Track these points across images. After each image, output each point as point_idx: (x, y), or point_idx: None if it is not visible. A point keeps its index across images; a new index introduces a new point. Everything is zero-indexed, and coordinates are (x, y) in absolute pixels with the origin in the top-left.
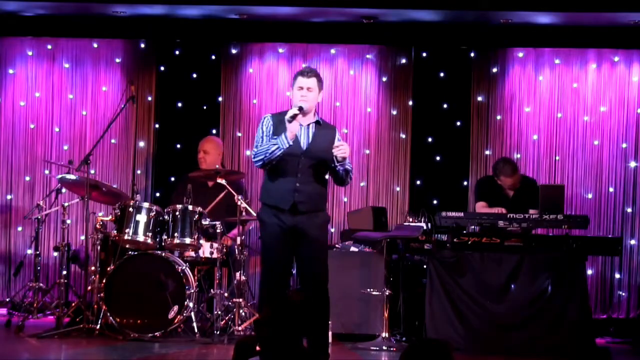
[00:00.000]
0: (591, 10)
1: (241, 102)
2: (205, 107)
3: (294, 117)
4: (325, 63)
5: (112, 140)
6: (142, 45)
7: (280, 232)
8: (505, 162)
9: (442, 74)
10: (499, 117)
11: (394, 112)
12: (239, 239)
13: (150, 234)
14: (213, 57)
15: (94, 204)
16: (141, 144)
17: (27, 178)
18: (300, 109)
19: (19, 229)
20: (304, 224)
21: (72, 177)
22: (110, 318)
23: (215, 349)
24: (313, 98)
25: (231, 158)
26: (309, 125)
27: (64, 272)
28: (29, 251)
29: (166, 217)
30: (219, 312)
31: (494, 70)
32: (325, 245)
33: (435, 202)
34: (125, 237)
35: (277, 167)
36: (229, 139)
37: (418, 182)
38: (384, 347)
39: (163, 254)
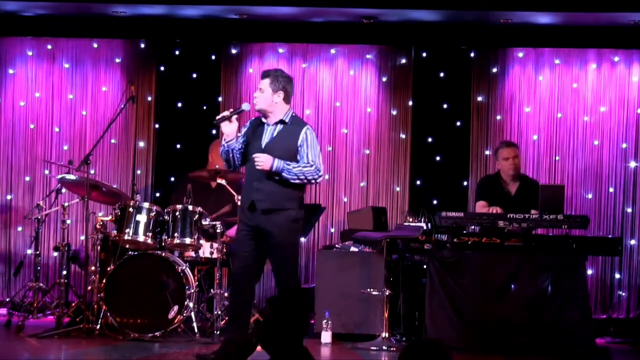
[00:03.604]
0: (591, 10)
1: (241, 102)
2: (205, 107)
3: (222, 119)
4: (325, 63)
5: (112, 140)
6: (142, 45)
7: (244, 230)
8: (503, 140)
9: (442, 74)
10: (499, 117)
11: (394, 112)
12: None
13: (150, 234)
14: (213, 57)
15: (94, 204)
16: (141, 144)
17: (27, 178)
18: (236, 111)
19: (19, 229)
20: (264, 223)
21: (72, 177)
22: (110, 318)
23: (215, 349)
24: (263, 98)
25: None
26: (275, 124)
27: (64, 272)
28: (29, 251)
29: (166, 217)
30: (219, 312)
31: (494, 70)
32: (288, 245)
33: (435, 202)
34: (125, 237)
35: (246, 167)
36: None
37: (418, 182)
38: (384, 347)
39: (163, 254)
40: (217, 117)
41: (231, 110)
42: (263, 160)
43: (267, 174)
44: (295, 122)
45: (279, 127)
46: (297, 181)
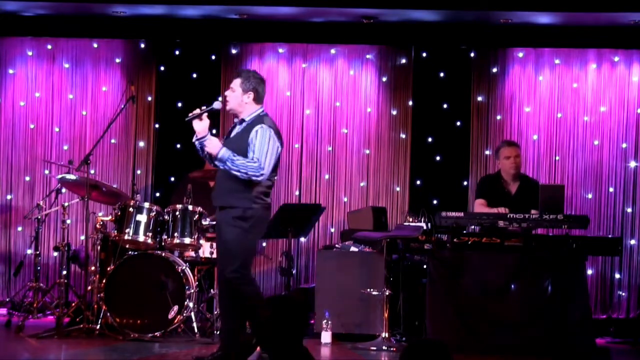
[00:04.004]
0: (591, 10)
1: None
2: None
3: (194, 116)
4: (325, 63)
5: (112, 140)
6: (142, 45)
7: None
8: (504, 140)
9: (442, 74)
10: (499, 117)
11: (394, 112)
12: None
13: (150, 234)
14: (213, 57)
15: (94, 204)
16: (141, 144)
17: (27, 178)
18: (207, 109)
19: (19, 229)
20: (219, 219)
21: (72, 177)
22: (110, 318)
23: (215, 349)
24: (234, 98)
25: None
26: (240, 123)
27: (64, 272)
28: (29, 251)
29: (166, 217)
30: (219, 312)
31: (494, 70)
32: (230, 242)
33: (435, 202)
34: (125, 237)
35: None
36: None
37: (418, 182)
38: (384, 347)
39: (163, 254)
40: (189, 115)
41: (203, 108)
42: (212, 144)
43: (223, 172)
44: (254, 121)
45: (242, 126)
46: (239, 174)
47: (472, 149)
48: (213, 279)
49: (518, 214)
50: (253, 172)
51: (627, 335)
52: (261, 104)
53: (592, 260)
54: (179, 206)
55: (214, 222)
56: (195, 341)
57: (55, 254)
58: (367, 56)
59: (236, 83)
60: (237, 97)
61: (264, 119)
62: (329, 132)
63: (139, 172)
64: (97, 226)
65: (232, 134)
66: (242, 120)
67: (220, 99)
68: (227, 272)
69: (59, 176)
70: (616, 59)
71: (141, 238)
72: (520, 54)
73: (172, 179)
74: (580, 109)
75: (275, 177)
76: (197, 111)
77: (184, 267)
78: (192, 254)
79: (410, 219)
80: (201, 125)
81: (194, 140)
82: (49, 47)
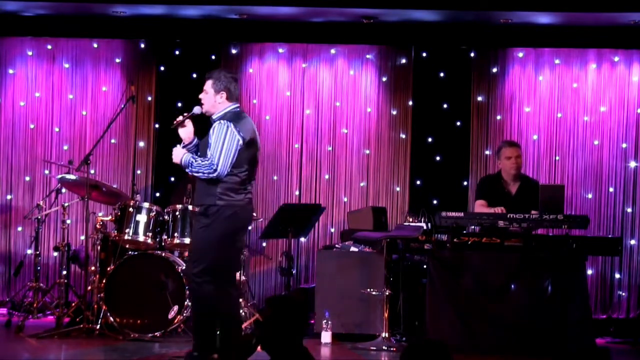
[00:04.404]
0: (591, 10)
1: (241, 102)
2: None
3: (178, 124)
4: (325, 63)
5: (112, 140)
6: (142, 45)
7: None
8: (506, 140)
9: (442, 74)
10: (499, 117)
11: (394, 112)
12: None
13: (150, 234)
14: (213, 57)
15: (94, 204)
16: (141, 144)
17: (27, 178)
18: (188, 115)
19: (19, 229)
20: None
21: (72, 177)
22: (110, 318)
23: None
24: (207, 100)
25: None
26: (212, 122)
27: (64, 272)
28: (29, 251)
29: (166, 217)
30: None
31: (494, 70)
32: (199, 239)
33: (435, 202)
34: (125, 237)
35: None
36: None
37: (418, 182)
38: (384, 347)
39: (163, 254)
40: (174, 123)
41: (184, 114)
42: (175, 155)
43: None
44: (218, 118)
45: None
46: (199, 175)
47: (472, 149)
48: None
49: (518, 214)
50: (207, 171)
51: (627, 335)
52: (234, 101)
53: (592, 260)
54: (179, 206)
55: None
56: None
57: (55, 254)
58: (367, 56)
59: (208, 85)
60: (210, 99)
61: (227, 115)
62: (329, 132)
63: (139, 172)
64: (97, 226)
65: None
66: (214, 120)
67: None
68: (194, 269)
69: (59, 176)
70: (616, 59)
71: (141, 238)
72: (520, 54)
73: (172, 179)
74: (580, 109)
75: (245, 173)
76: (180, 118)
77: (184, 267)
78: None
79: (410, 219)
80: (186, 132)
81: (181, 147)
82: (49, 47)
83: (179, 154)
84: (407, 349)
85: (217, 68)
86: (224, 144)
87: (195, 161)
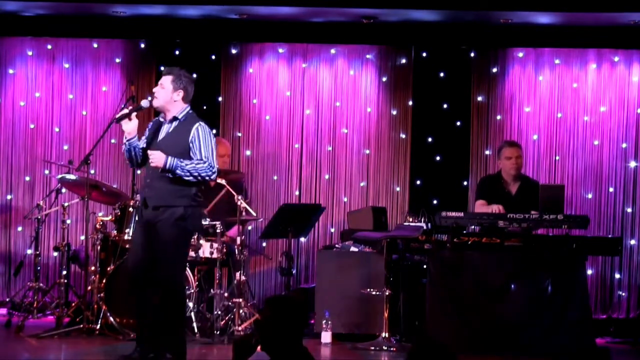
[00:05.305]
0: (591, 10)
1: (241, 102)
2: (205, 107)
3: (122, 117)
4: (325, 63)
5: (112, 140)
6: (142, 45)
7: (139, 227)
8: (506, 140)
9: (442, 74)
10: (499, 117)
11: (394, 112)
12: (238, 239)
13: None
14: (213, 57)
15: (94, 204)
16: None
17: (27, 178)
18: (135, 108)
19: (19, 229)
20: (153, 219)
21: (72, 177)
22: (110, 318)
23: (215, 349)
24: (163, 95)
25: (231, 158)
26: (170, 122)
27: (64, 272)
28: (29, 251)
29: None
30: (219, 312)
31: (494, 70)
32: (171, 241)
33: (435, 202)
34: (125, 237)
35: (144, 164)
36: (228, 139)
37: (418, 182)
38: (384, 347)
39: None
40: (117, 116)
41: (130, 107)
42: (157, 158)
43: (160, 172)
44: (189, 119)
45: (173, 124)
46: (190, 178)
47: (472, 149)
48: (213, 279)
49: (518, 214)
50: (205, 173)
51: (627, 335)
52: (188, 103)
53: (592, 260)
54: None
55: (214, 222)
56: (195, 341)
57: (55, 254)
58: (367, 56)
59: (167, 80)
60: (167, 94)
61: (195, 116)
62: (329, 132)
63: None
64: (97, 226)
65: (163, 133)
66: (175, 119)
67: (149, 97)
68: (164, 271)
69: (59, 176)
70: (616, 59)
71: None
72: (520, 54)
73: None
74: (580, 109)
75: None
76: (126, 111)
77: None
78: (192, 254)
79: (410, 219)
80: (130, 126)
81: (125, 141)
82: (49, 47)
83: (161, 158)
84: (415, 348)
85: (177, 66)
86: (212, 146)
87: (186, 164)
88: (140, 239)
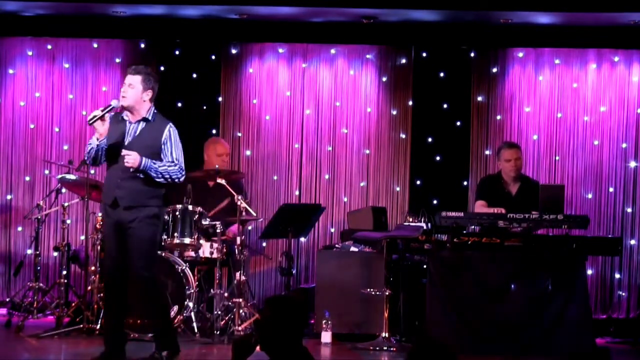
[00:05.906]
0: (591, 10)
1: (241, 102)
2: (205, 107)
3: (94, 119)
4: (325, 63)
5: None
6: (142, 45)
7: (109, 227)
8: (506, 141)
9: (442, 74)
10: (499, 117)
11: (394, 112)
12: (238, 239)
13: None
14: (213, 57)
15: (94, 204)
16: None
17: (27, 178)
18: (107, 109)
19: (19, 229)
20: (125, 219)
21: (72, 177)
22: None
23: (215, 349)
24: (132, 95)
25: (231, 158)
26: (138, 122)
27: (64, 272)
28: (29, 251)
29: (166, 217)
30: (219, 312)
31: (494, 70)
32: (145, 239)
33: (435, 202)
34: None
35: (110, 163)
36: (228, 139)
37: (418, 182)
38: (384, 347)
39: (163, 254)
40: (90, 118)
41: (101, 109)
42: (133, 158)
43: (130, 172)
44: (158, 120)
45: (142, 124)
46: (160, 180)
47: (472, 149)
48: (213, 279)
49: (518, 214)
50: (175, 175)
51: (627, 335)
52: (153, 103)
53: (592, 260)
54: (178, 206)
55: (214, 222)
56: (195, 341)
57: (55, 254)
58: (367, 56)
59: (136, 80)
60: (138, 94)
61: (161, 116)
62: (329, 132)
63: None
64: (97, 226)
65: (132, 133)
66: (145, 119)
67: (119, 98)
68: (139, 271)
69: (59, 176)
70: (616, 59)
71: None
72: (520, 54)
73: None
74: (580, 109)
75: None
76: (98, 112)
77: (183, 267)
78: (192, 254)
79: (410, 219)
80: (104, 127)
81: (95, 142)
82: (49, 47)
83: (137, 159)
84: (416, 348)
85: (143, 65)
86: (181, 148)
87: (159, 165)
88: (112, 240)
